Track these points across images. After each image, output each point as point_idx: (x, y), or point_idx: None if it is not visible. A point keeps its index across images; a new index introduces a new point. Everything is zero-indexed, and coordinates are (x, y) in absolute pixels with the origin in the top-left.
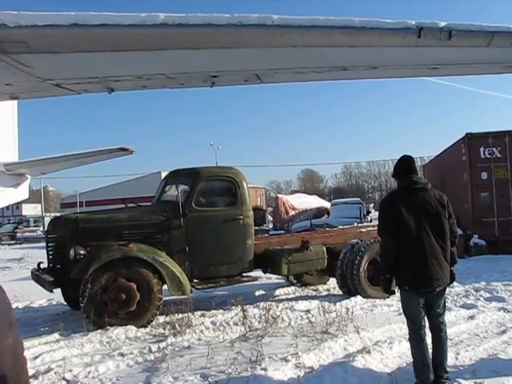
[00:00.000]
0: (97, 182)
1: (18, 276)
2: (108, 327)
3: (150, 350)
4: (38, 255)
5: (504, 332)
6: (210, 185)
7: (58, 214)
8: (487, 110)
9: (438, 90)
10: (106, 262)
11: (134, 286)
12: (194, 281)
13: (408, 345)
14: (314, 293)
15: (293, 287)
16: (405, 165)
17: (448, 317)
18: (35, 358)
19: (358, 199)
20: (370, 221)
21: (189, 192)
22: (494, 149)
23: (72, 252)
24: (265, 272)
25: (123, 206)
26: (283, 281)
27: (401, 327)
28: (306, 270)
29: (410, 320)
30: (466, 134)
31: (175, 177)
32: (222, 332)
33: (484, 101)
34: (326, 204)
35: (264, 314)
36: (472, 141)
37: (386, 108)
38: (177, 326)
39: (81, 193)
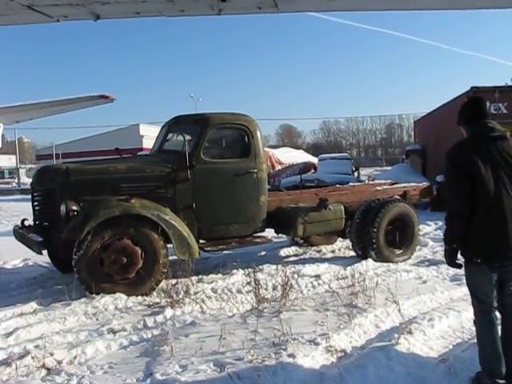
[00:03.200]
0: (73, 135)
1: None
2: (94, 296)
3: (146, 325)
4: (13, 208)
5: None
6: (221, 133)
7: (40, 165)
8: (466, 69)
9: (422, 46)
10: (103, 220)
11: (139, 252)
12: (201, 241)
13: (449, 322)
14: (317, 254)
15: (294, 247)
16: (477, 107)
17: None
18: (8, 334)
19: (346, 154)
20: (358, 177)
21: (196, 141)
22: (500, 104)
23: (63, 208)
24: (277, 232)
25: (118, 155)
26: (282, 239)
27: (431, 299)
28: (323, 231)
29: (480, 300)
30: (472, 88)
31: (179, 124)
32: (226, 302)
33: (462, 60)
34: (313, 159)
35: (276, 282)
36: (477, 95)
37: (365, 63)
38: (173, 293)
39: (57, 144)
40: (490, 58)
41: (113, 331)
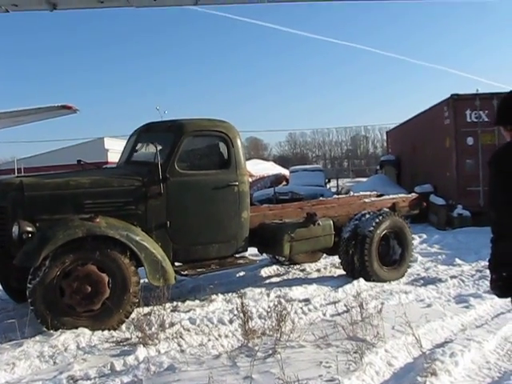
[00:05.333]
0: (37, 149)
1: None
2: (51, 332)
3: (114, 370)
4: None
5: None
6: (197, 142)
7: None
8: (426, 81)
9: (382, 58)
10: (64, 243)
11: (106, 279)
12: (177, 264)
13: (471, 356)
14: (302, 274)
15: (275, 266)
16: None
17: (484, 307)
18: None
19: (319, 166)
20: (330, 189)
21: (170, 150)
22: (481, 112)
23: (15, 229)
24: (261, 252)
25: (79, 168)
26: (261, 257)
27: (442, 326)
28: (312, 249)
29: None
30: (452, 96)
31: (150, 131)
32: (208, 337)
33: (421, 72)
34: (284, 171)
35: (262, 309)
36: (458, 103)
37: (327, 76)
38: (145, 327)
39: (19, 159)
40: (450, 70)
41: (73, 380)
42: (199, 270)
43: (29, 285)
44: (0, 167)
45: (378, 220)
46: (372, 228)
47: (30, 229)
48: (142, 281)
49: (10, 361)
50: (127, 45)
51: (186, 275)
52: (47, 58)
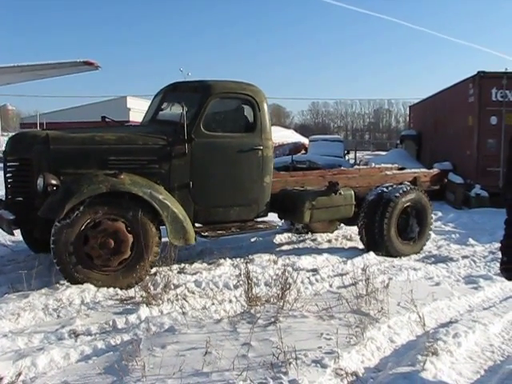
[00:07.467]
0: (60, 105)
1: None
2: (57, 286)
3: (115, 328)
4: None
5: None
6: (224, 103)
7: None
8: (455, 58)
9: (410, 32)
10: (87, 198)
11: (130, 241)
12: (197, 225)
13: (475, 338)
14: (313, 244)
15: (286, 234)
16: None
17: (494, 290)
18: None
19: (339, 136)
20: (348, 161)
21: (196, 111)
22: (508, 91)
23: (40, 181)
24: (281, 218)
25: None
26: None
27: (448, 306)
28: (331, 218)
29: None
30: (478, 73)
31: (176, 91)
32: (211, 300)
33: (453, 48)
34: (303, 139)
35: (269, 276)
36: (484, 80)
37: (355, 47)
38: (150, 287)
39: (42, 113)
40: (481, 47)
41: (74, 333)
42: (219, 232)
43: (57, 223)
44: (23, 121)
45: (405, 189)
46: (398, 194)
47: (54, 182)
48: None
49: (16, 311)
50: (156, 3)
51: (205, 236)
52: (71, 13)
